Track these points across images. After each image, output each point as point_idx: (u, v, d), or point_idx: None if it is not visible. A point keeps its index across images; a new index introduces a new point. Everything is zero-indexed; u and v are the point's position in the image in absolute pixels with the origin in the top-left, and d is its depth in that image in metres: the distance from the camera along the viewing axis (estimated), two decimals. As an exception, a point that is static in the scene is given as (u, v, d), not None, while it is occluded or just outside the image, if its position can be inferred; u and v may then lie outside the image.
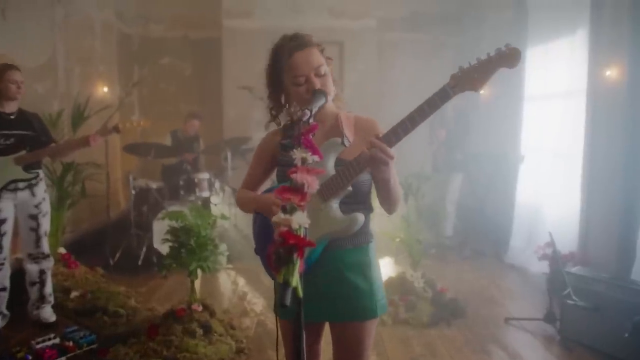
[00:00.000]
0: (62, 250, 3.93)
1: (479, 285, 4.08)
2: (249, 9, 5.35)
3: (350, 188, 1.38)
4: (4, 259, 3.00)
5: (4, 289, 3.04)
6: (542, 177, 4.41)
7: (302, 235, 0.95)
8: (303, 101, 1.45)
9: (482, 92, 4.98)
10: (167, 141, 5.01)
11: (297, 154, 1.08)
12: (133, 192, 4.55)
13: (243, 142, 5.19)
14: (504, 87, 4.81)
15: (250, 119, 5.83)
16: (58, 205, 3.90)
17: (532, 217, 4.50)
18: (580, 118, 3.81)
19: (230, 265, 4.53)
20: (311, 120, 1.25)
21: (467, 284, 4.04)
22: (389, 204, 1.46)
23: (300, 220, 0.96)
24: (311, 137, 1.16)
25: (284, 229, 0.94)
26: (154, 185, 4.70)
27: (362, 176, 1.38)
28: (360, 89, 5.45)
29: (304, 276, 1.50)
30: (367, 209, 1.51)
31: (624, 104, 3.37)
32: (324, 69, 1.46)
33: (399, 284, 3.52)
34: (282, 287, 0.88)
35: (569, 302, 2.84)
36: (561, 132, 4.11)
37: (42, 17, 4.14)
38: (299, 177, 1.00)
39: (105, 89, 5.12)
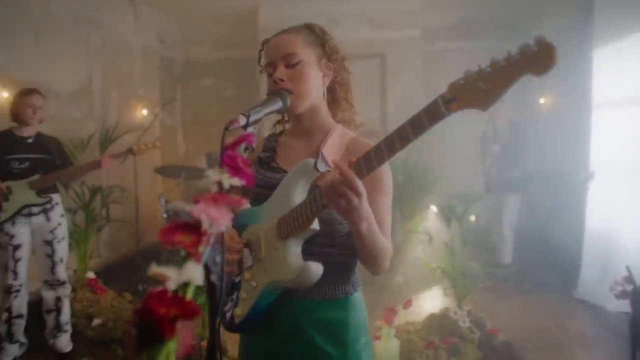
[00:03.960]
0: (90, 274, 3.86)
1: (541, 325, 3.47)
2: (285, 24, 5.14)
3: (315, 226, 1.03)
4: (20, 285, 2.92)
5: (20, 316, 2.95)
6: (617, 198, 3.75)
7: (188, 299, 0.63)
8: None
9: (542, 101, 4.33)
10: (202, 164, 4.90)
11: (212, 176, 0.78)
12: (165, 215, 4.44)
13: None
14: (568, 94, 4.23)
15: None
16: (86, 229, 3.86)
17: (607, 245, 3.83)
18: (664, 127, 3.17)
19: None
20: (254, 130, 0.94)
21: (526, 324, 3.45)
22: (366, 262, 1.09)
23: (189, 275, 0.64)
24: (243, 152, 0.86)
25: (157, 288, 0.62)
26: (187, 207, 4.56)
27: None
28: (405, 104, 5.06)
29: (251, 329, 1.15)
30: (348, 254, 1.15)
31: None
32: (298, 58, 1.13)
33: (440, 322, 3.05)
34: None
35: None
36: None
37: (78, 42, 4.20)
38: (196, 209, 0.69)
39: (145, 112, 5.14)
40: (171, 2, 5.10)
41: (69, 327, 3.15)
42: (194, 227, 0.68)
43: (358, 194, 0.90)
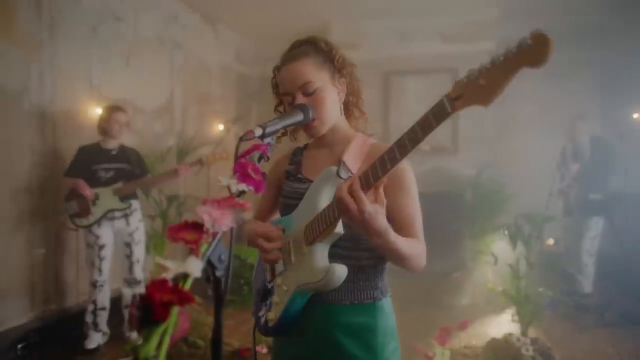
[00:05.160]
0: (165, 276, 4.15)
1: (622, 363, 3.14)
2: (358, 40, 5.26)
3: (339, 230, 1.07)
4: (104, 281, 3.26)
5: (103, 309, 3.29)
6: None
7: (184, 289, 0.70)
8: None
9: (635, 116, 4.02)
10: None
11: (222, 182, 0.85)
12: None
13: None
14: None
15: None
16: (163, 234, 4.17)
17: None
18: None
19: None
20: (271, 141, 1.00)
21: (605, 360, 3.14)
22: (396, 264, 1.11)
23: (187, 268, 0.71)
24: (257, 161, 0.92)
25: (159, 277, 0.70)
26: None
27: None
28: (476, 121, 4.87)
29: (283, 332, 1.21)
30: (375, 258, 1.18)
31: None
32: (315, 86, 1.16)
33: (501, 348, 2.88)
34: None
35: None
36: None
37: (162, 63, 4.62)
38: (201, 210, 0.76)
39: (221, 127, 5.48)
40: (247, 22, 5.41)
41: (142, 323, 3.42)
42: (198, 226, 0.76)
43: (360, 209, 0.91)
